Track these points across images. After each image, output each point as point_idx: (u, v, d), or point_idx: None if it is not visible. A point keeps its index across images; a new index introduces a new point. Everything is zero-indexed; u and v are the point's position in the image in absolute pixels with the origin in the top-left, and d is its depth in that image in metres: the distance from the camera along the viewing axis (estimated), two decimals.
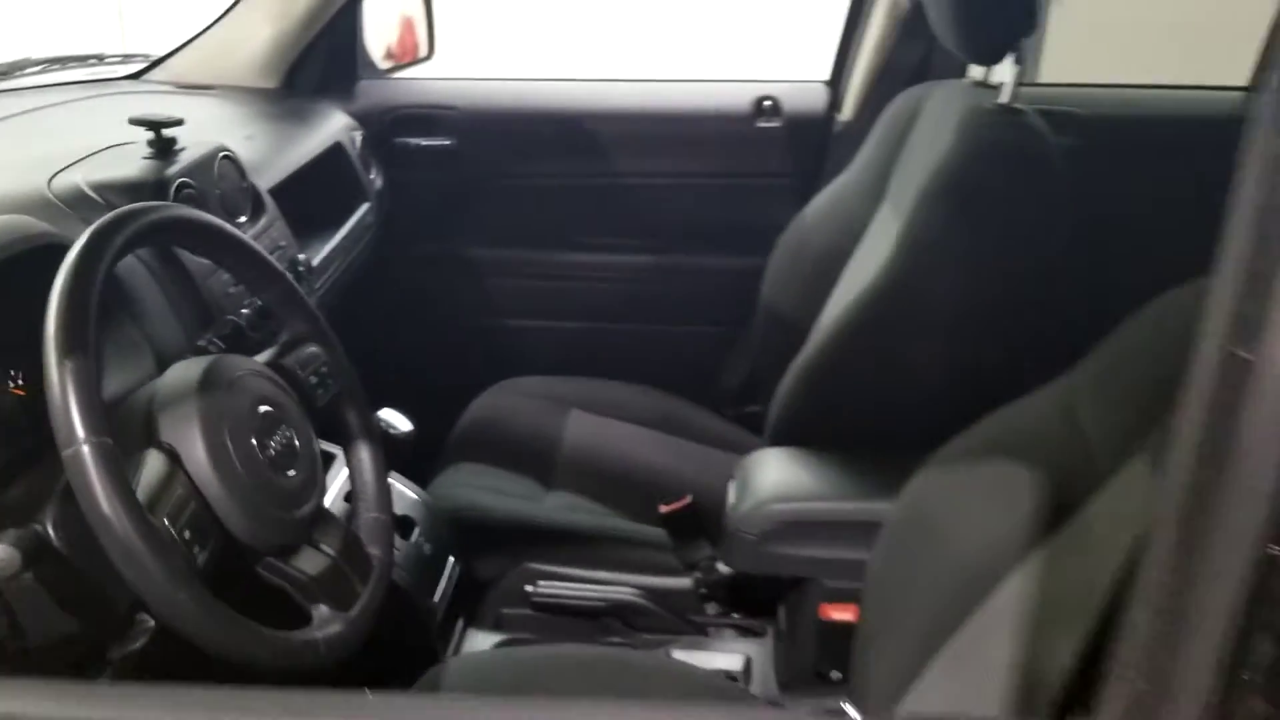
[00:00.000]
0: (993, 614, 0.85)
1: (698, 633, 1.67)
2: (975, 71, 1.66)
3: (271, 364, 1.14)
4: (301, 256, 1.55)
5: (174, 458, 0.95)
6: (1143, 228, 1.84)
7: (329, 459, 1.35)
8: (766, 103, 2.15)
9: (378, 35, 2.28)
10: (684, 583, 1.66)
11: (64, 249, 0.96)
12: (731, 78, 2.24)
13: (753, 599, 1.66)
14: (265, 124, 1.82)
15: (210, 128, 1.63)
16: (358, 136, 2.05)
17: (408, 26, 2.47)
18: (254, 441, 1.01)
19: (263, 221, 1.50)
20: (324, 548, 1.07)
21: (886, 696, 0.94)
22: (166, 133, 1.35)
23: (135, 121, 1.33)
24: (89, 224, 0.98)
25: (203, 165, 1.39)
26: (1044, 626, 0.79)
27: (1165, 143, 1.96)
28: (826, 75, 2.19)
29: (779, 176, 2.16)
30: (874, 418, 1.50)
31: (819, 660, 1.51)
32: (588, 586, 1.67)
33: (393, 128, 2.18)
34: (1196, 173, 1.12)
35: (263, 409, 1.05)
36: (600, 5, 6.09)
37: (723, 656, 1.60)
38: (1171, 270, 0.80)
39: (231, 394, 1.02)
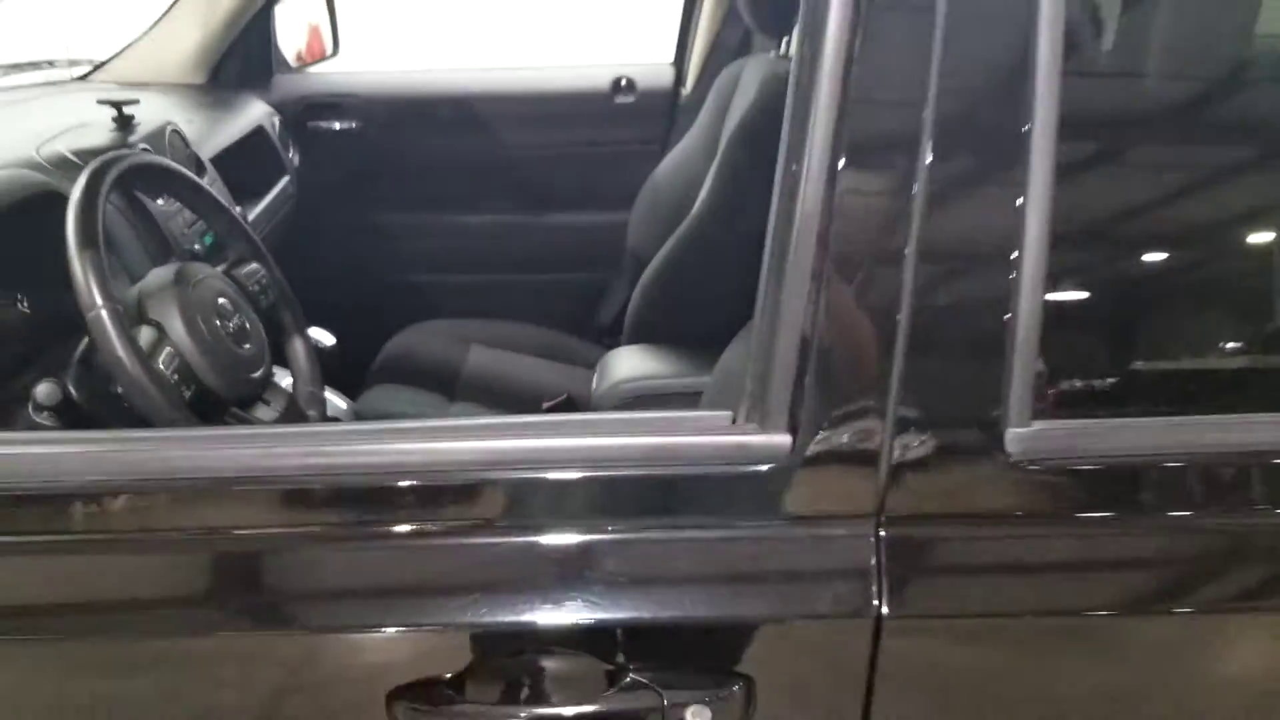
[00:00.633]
0: None
1: None
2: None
3: (224, 274, 1.51)
4: (238, 209, 1.92)
5: (160, 329, 1.32)
6: None
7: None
8: (622, 82, 2.56)
9: (288, 39, 2.64)
10: None
11: (59, 196, 1.32)
12: (593, 63, 2.64)
13: None
14: (200, 110, 2.18)
15: (158, 112, 1.99)
16: (276, 121, 2.42)
17: (314, 32, 2.84)
18: (217, 322, 1.38)
19: (205, 180, 1.87)
20: (273, 405, 1.45)
21: None
22: (126, 110, 1.71)
23: (102, 101, 1.69)
24: (73, 180, 1.33)
25: (156, 135, 1.75)
26: None
27: None
28: (671, 57, 2.61)
29: (635, 143, 2.56)
30: (699, 316, 1.88)
31: None
32: None
33: (305, 114, 2.55)
34: None
35: (221, 300, 1.42)
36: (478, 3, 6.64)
37: None
38: None
39: (198, 289, 1.39)
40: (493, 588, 0.90)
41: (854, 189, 0.86)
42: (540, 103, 2.58)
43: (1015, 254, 0.86)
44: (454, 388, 2.18)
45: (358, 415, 1.96)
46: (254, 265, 1.56)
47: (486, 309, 2.47)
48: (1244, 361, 1.02)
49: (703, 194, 1.86)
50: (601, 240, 2.54)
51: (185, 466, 0.92)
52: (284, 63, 2.59)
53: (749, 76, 2.03)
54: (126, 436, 1.05)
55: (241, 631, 0.93)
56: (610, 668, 0.90)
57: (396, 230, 2.63)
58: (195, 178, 1.53)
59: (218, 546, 0.93)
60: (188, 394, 1.29)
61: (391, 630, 0.90)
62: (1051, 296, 0.88)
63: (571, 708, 0.90)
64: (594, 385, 1.91)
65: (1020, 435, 0.89)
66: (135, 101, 1.72)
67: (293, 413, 1.47)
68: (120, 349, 1.19)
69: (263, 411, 1.43)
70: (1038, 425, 0.90)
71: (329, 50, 2.76)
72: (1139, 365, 1.00)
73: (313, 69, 2.63)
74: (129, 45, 2.34)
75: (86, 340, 1.31)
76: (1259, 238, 1.02)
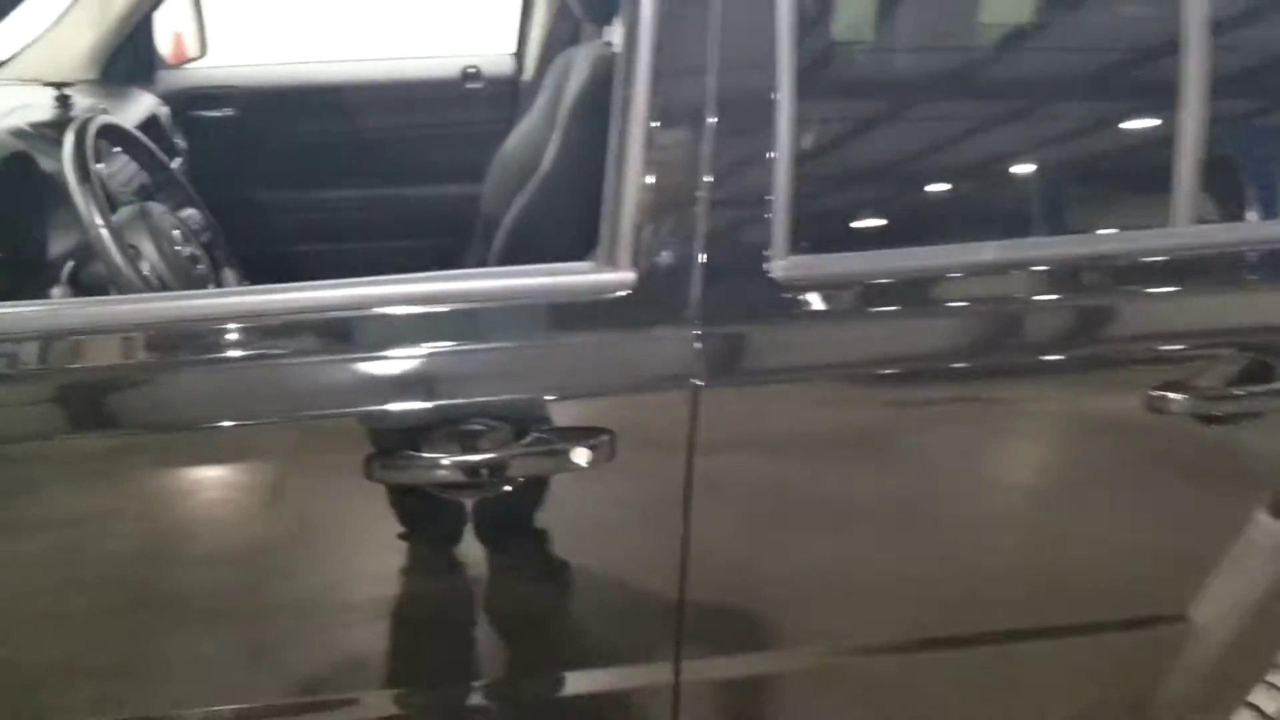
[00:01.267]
0: None
1: None
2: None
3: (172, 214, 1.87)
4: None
5: (137, 250, 1.68)
6: None
7: None
8: (471, 70, 2.99)
9: (162, 42, 2.97)
10: None
11: (30, 159, 1.66)
12: (445, 54, 3.06)
13: None
14: (102, 102, 2.49)
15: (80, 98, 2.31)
16: (164, 111, 2.74)
17: (178, 39, 3.18)
18: (176, 247, 1.75)
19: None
20: None
21: None
22: (64, 91, 2.04)
23: (47, 83, 2.01)
24: (38, 150, 1.66)
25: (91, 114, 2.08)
26: None
27: None
28: (512, 49, 3.06)
29: (484, 124, 2.97)
30: (549, 248, 2.32)
31: None
32: None
33: (189, 105, 2.87)
34: None
35: (175, 232, 1.78)
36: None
37: None
38: None
39: (159, 222, 1.75)
40: (432, 385, 1.33)
41: (664, 143, 1.34)
42: (399, 89, 2.99)
43: (772, 175, 1.35)
44: None
45: None
46: (191, 210, 1.93)
47: (358, 275, 2.83)
48: (922, 212, 1.54)
49: (548, 156, 2.28)
50: (458, 209, 2.91)
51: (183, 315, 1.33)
52: (164, 60, 2.91)
53: (581, 60, 2.46)
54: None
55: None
56: (520, 430, 1.34)
57: (274, 205, 2.97)
58: (144, 138, 1.88)
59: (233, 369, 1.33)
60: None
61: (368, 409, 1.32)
62: (798, 194, 1.37)
63: (495, 453, 1.33)
64: None
65: (782, 265, 1.37)
66: (71, 83, 2.05)
67: None
68: (118, 257, 1.56)
69: None
70: (793, 258, 1.38)
71: (195, 52, 3.09)
72: (854, 224, 1.50)
73: (193, 65, 2.96)
74: (26, 46, 2.63)
75: (72, 263, 1.66)
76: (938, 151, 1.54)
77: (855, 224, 1.51)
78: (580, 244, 1.47)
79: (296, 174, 2.99)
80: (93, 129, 1.67)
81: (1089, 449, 1.50)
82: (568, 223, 2.16)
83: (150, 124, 2.59)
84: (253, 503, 1.38)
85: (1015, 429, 1.49)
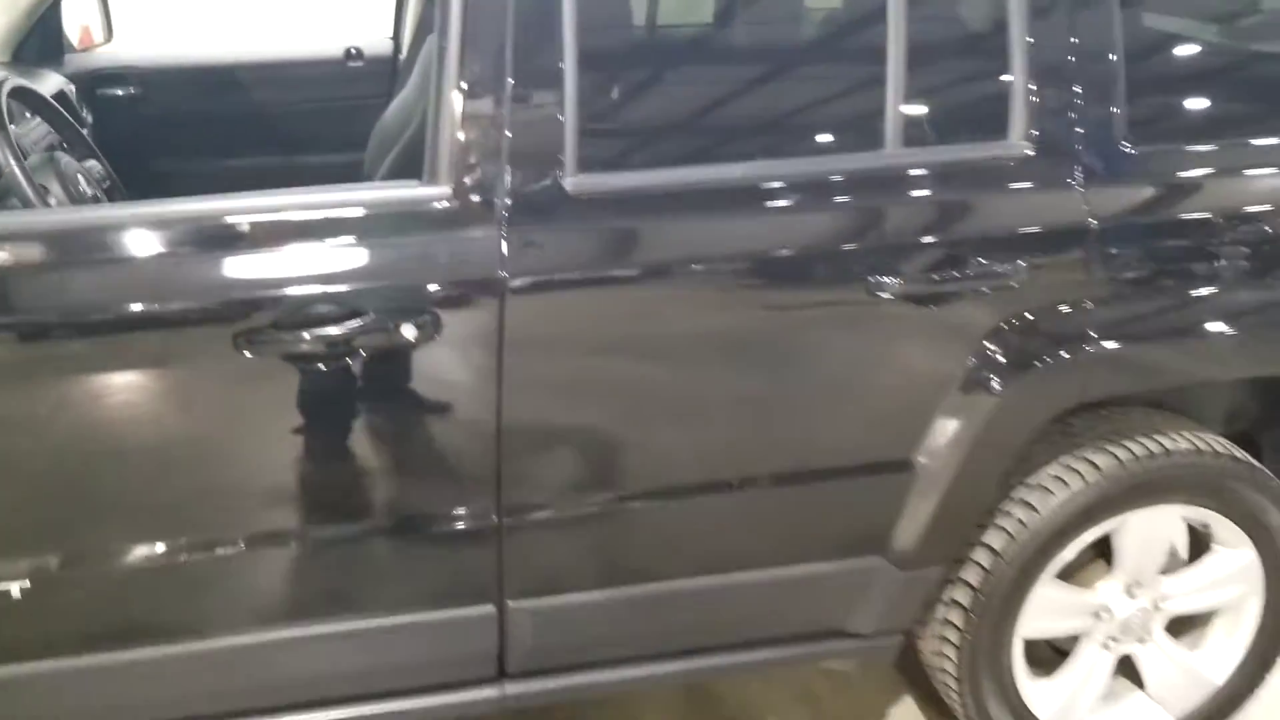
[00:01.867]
0: None
1: None
2: None
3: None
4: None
5: (46, 190, 2.00)
6: None
7: None
8: (354, 50, 3.34)
9: (71, 29, 3.27)
10: None
11: None
12: (331, 34, 3.41)
13: None
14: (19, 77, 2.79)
15: None
16: (72, 89, 3.03)
17: (85, 30, 3.48)
18: (82, 189, 2.07)
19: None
20: None
21: None
22: None
23: None
24: None
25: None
26: None
27: None
28: (390, 32, 3.41)
29: (365, 98, 3.30)
30: None
31: None
32: None
33: (95, 84, 3.18)
34: None
35: (79, 177, 2.11)
36: None
37: None
38: None
39: (66, 168, 2.08)
40: (291, 277, 1.69)
41: (474, 112, 1.72)
42: (288, 68, 3.34)
43: (559, 120, 1.74)
44: None
45: None
46: (93, 162, 2.25)
47: None
48: (682, 140, 1.93)
49: (415, 121, 2.64)
50: (344, 176, 3.25)
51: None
52: (71, 44, 3.21)
53: None
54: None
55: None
56: (359, 310, 1.70)
57: (174, 175, 3.27)
58: (50, 99, 2.20)
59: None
60: None
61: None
62: (582, 132, 1.76)
63: (338, 327, 1.69)
64: None
65: (573, 181, 1.75)
66: None
67: None
68: (31, 192, 1.88)
69: None
70: (582, 176, 1.76)
71: (101, 38, 3.40)
72: (626, 148, 1.90)
73: (98, 50, 3.26)
74: None
75: None
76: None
77: (629, 151, 1.90)
78: None
79: (196, 145, 3.30)
80: (6, 89, 1.99)
81: (822, 333, 1.90)
82: None
83: (59, 99, 2.89)
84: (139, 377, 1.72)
85: (763, 320, 1.89)
